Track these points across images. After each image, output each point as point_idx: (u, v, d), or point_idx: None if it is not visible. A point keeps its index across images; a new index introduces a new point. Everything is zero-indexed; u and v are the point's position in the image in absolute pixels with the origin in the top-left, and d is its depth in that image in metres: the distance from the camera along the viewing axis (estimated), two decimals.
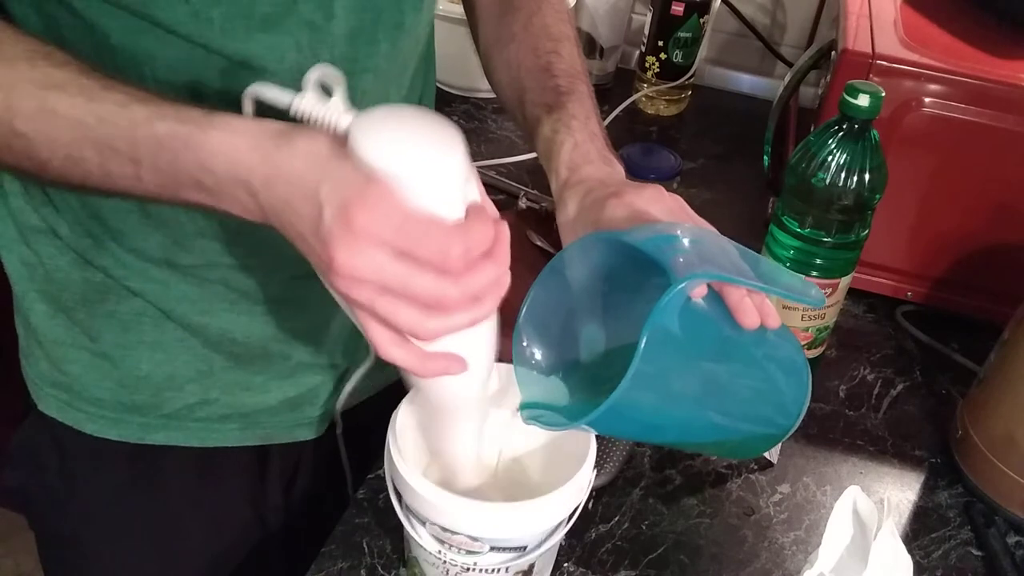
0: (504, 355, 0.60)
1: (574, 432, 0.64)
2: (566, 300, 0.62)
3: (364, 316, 0.50)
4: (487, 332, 0.55)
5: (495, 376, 0.61)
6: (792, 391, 0.63)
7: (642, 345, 0.51)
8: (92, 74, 0.55)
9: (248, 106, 0.53)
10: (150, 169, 0.54)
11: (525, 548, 0.62)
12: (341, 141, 0.49)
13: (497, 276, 0.50)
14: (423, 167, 0.48)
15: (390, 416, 0.63)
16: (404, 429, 0.63)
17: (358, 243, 0.47)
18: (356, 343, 0.81)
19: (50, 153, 0.55)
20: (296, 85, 0.51)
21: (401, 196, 0.47)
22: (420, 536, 0.62)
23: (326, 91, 0.51)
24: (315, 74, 0.51)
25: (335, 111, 0.50)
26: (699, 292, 0.55)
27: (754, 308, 0.57)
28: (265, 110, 0.53)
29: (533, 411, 0.60)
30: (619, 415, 0.54)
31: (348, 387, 0.78)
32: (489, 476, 0.68)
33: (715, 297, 0.57)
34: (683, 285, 0.52)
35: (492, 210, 0.52)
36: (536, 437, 0.67)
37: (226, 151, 0.51)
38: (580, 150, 0.67)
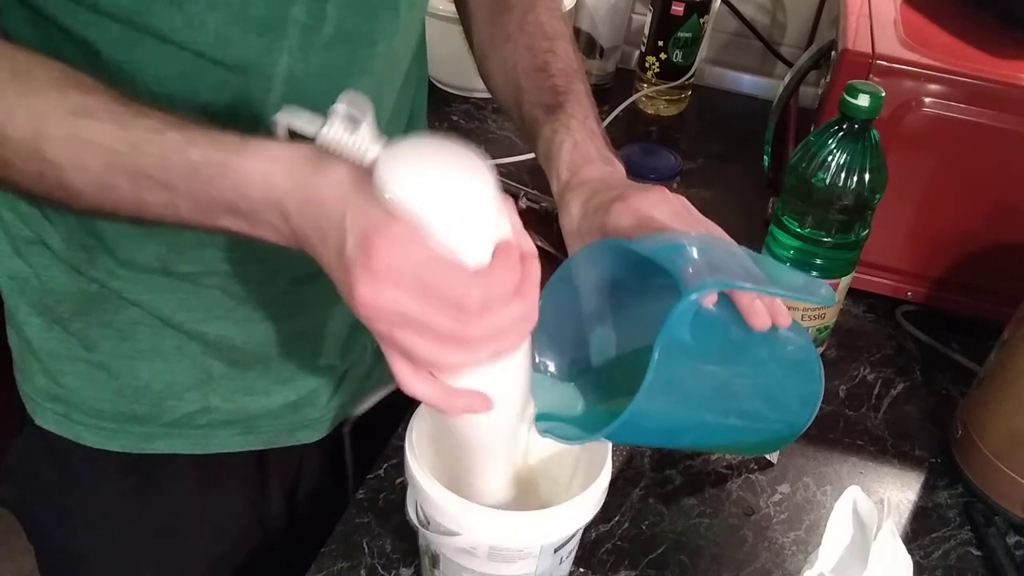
0: None
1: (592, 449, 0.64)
2: (574, 307, 0.62)
3: (386, 347, 0.50)
4: (516, 368, 0.53)
5: (530, 410, 0.59)
6: (805, 386, 0.63)
7: (655, 358, 0.51)
8: (123, 100, 0.54)
9: (282, 131, 0.52)
10: (184, 196, 0.53)
11: (428, 525, 0.60)
12: (368, 172, 0.48)
13: (523, 313, 0.49)
14: (448, 210, 0.46)
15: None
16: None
17: (378, 278, 0.47)
18: (353, 343, 0.81)
19: (82, 182, 0.54)
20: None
21: (424, 236, 0.46)
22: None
23: (353, 120, 0.49)
24: (343, 103, 0.49)
25: (362, 142, 0.49)
26: (710, 300, 0.55)
27: (764, 310, 0.57)
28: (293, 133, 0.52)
29: (548, 423, 0.59)
30: (634, 427, 0.53)
31: (369, 403, 0.77)
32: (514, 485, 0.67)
33: (725, 300, 0.57)
34: (694, 296, 0.52)
35: (526, 244, 0.50)
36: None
37: (261, 177, 0.51)
38: (580, 150, 0.66)
